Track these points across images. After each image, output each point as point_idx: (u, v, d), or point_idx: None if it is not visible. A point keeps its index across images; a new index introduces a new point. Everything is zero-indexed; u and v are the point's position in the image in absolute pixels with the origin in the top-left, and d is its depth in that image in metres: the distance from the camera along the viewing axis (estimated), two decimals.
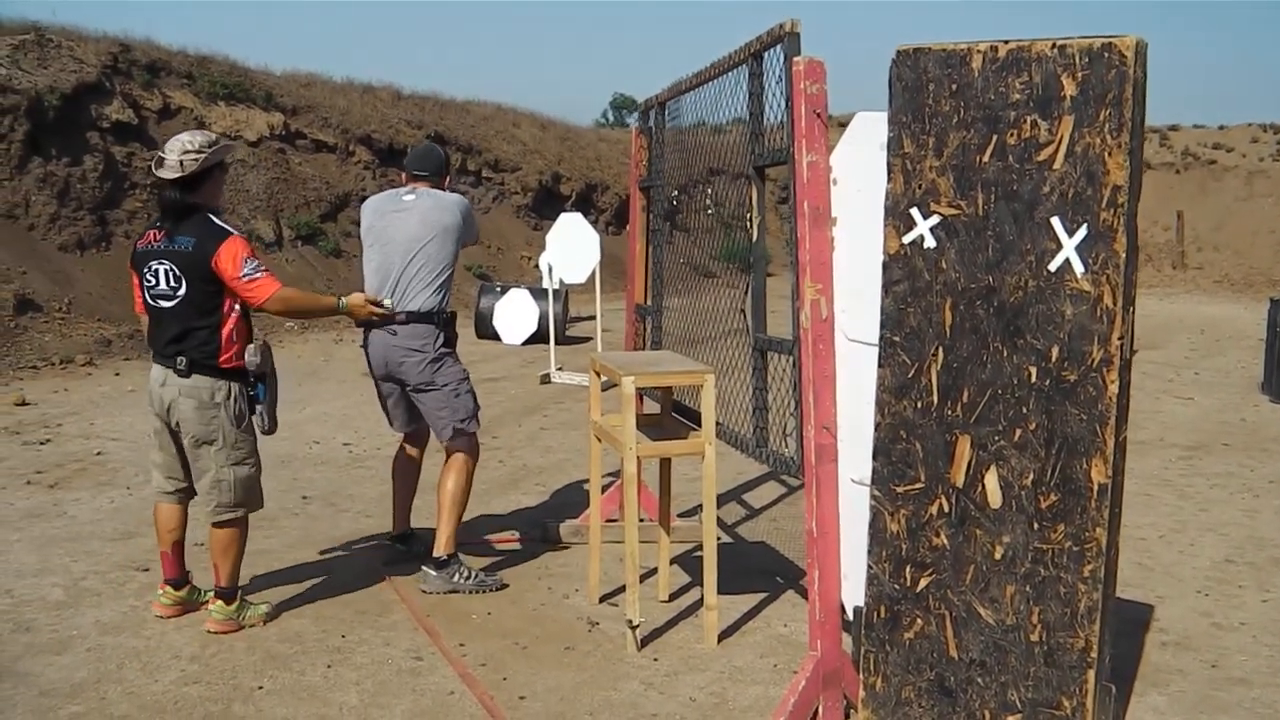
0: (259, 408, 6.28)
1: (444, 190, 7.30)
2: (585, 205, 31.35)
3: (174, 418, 6.13)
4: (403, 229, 7.01)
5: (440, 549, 6.97)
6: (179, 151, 6.06)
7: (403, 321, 6.93)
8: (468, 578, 6.95)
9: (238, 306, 6.13)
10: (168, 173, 6.05)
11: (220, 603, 6.23)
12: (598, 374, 6.71)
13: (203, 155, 6.08)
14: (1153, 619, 6.74)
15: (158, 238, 6.15)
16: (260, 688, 5.53)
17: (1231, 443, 12.22)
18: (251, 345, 6.19)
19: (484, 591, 6.91)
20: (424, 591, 6.86)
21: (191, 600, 6.45)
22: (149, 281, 6.14)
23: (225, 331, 6.10)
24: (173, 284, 6.06)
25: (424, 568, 6.97)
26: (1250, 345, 19.44)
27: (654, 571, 6.93)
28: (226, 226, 6.17)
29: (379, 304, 6.79)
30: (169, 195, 6.13)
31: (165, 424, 6.21)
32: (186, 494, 6.38)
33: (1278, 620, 6.78)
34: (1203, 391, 15.68)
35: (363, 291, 6.98)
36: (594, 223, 17.92)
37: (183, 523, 6.40)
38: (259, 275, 6.08)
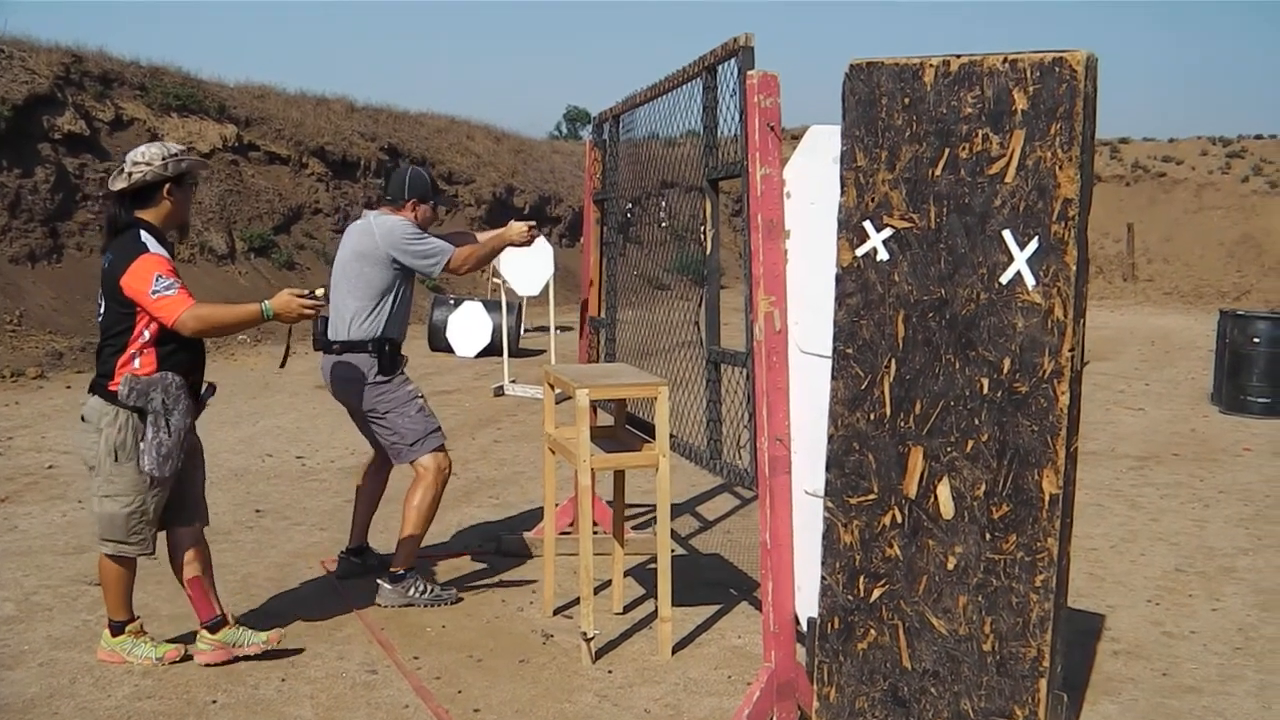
0: (141, 445, 5.70)
1: (401, 214, 7.08)
2: (539, 217, 31.34)
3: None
4: (339, 255, 7.09)
5: (398, 563, 6.92)
6: (130, 163, 5.80)
7: (338, 351, 6.91)
8: (423, 592, 6.90)
9: (147, 332, 5.70)
10: (115, 184, 5.82)
11: (107, 633, 5.98)
12: (552, 386, 6.71)
13: (149, 168, 5.77)
14: (1104, 628, 6.78)
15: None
16: (214, 702, 5.51)
17: (1182, 453, 12.32)
18: (128, 375, 5.68)
19: (439, 606, 6.87)
20: (379, 604, 6.83)
21: (237, 641, 5.98)
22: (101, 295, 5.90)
23: (125, 355, 5.70)
24: (99, 301, 5.86)
25: (379, 581, 6.94)
26: (1200, 356, 19.60)
27: (608, 584, 6.92)
28: (148, 243, 5.75)
29: (309, 295, 5.98)
30: (110, 209, 5.95)
31: None
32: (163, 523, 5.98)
33: (1228, 629, 6.84)
34: (1153, 402, 15.80)
35: None
36: (548, 235, 17.92)
37: (173, 559, 6.06)
38: (169, 294, 5.63)
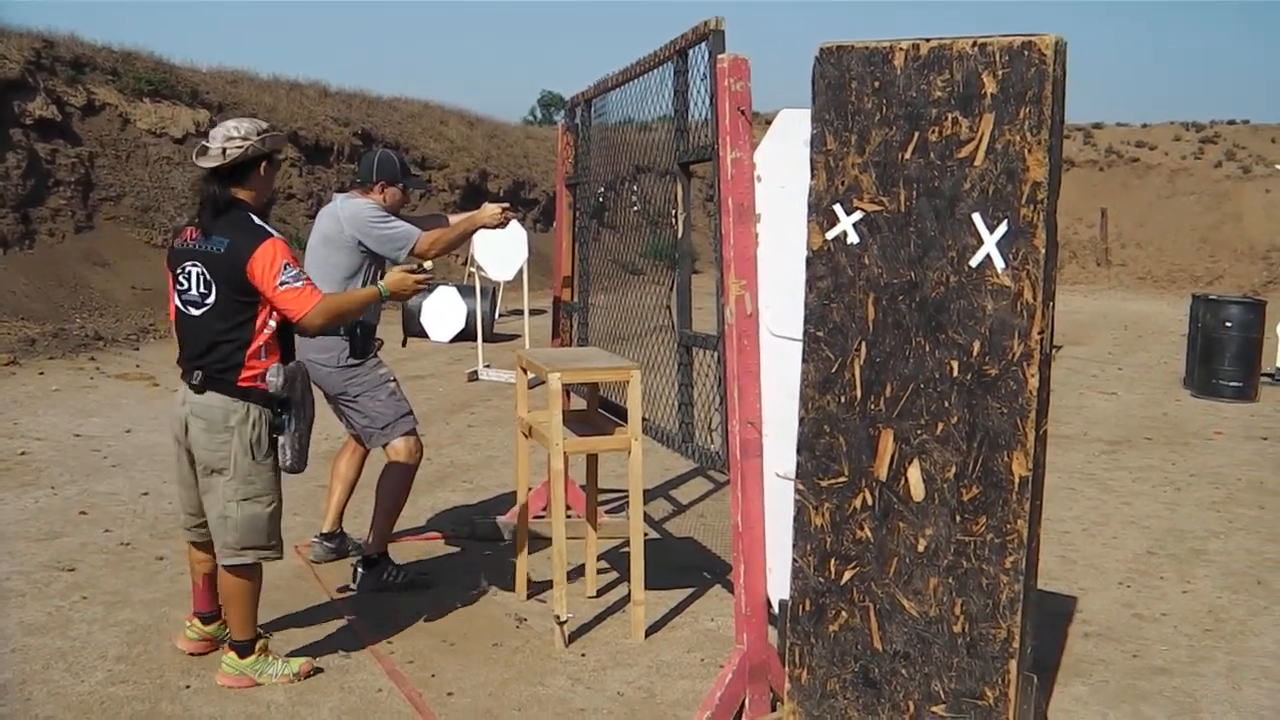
0: (281, 439, 5.46)
1: (369, 196, 7.07)
2: (513, 202, 31.29)
3: (187, 440, 5.46)
4: (310, 240, 7.09)
5: (371, 548, 6.92)
6: (222, 138, 5.41)
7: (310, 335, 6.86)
8: (397, 576, 6.91)
9: (273, 321, 5.39)
10: (207, 161, 5.42)
11: (233, 655, 5.58)
12: (524, 370, 6.72)
13: (248, 143, 5.40)
14: (1076, 610, 6.83)
15: (194, 235, 5.46)
16: (187, 687, 5.50)
17: (1154, 437, 12.39)
18: (275, 366, 5.39)
19: (413, 590, 6.86)
20: (353, 589, 6.84)
21: (221, 637, 5.82)
22: (181, 285, 5.45)
23: (253, 348, 5.35)
24: (202, 289, 5.37)
25: (353, 565, 6.96)
26: (1172, 341, 19.69)
27: (581, 568, 6.93)
28: (266, 227, 5.45)
29: (418, 269, 5.90)
30: (207, 188, 5.46)
31: (181, 451, 5.56)
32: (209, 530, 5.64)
33: (1198, 611, 6.89)
34: (1126, 387, 15.88)
35: None
36: (522, 220, 17.90)
37: (213, 559, 5.71)
38: (299, 285, 5.33)
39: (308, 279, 5.42)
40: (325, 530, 7.50)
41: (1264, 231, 37.10)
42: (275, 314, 5.39)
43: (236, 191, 5.49)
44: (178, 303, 5.48)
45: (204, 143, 5.50)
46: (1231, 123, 46.02)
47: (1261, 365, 15.51)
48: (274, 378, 5.36)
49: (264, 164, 5.60)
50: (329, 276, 6.73)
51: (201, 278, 5.37)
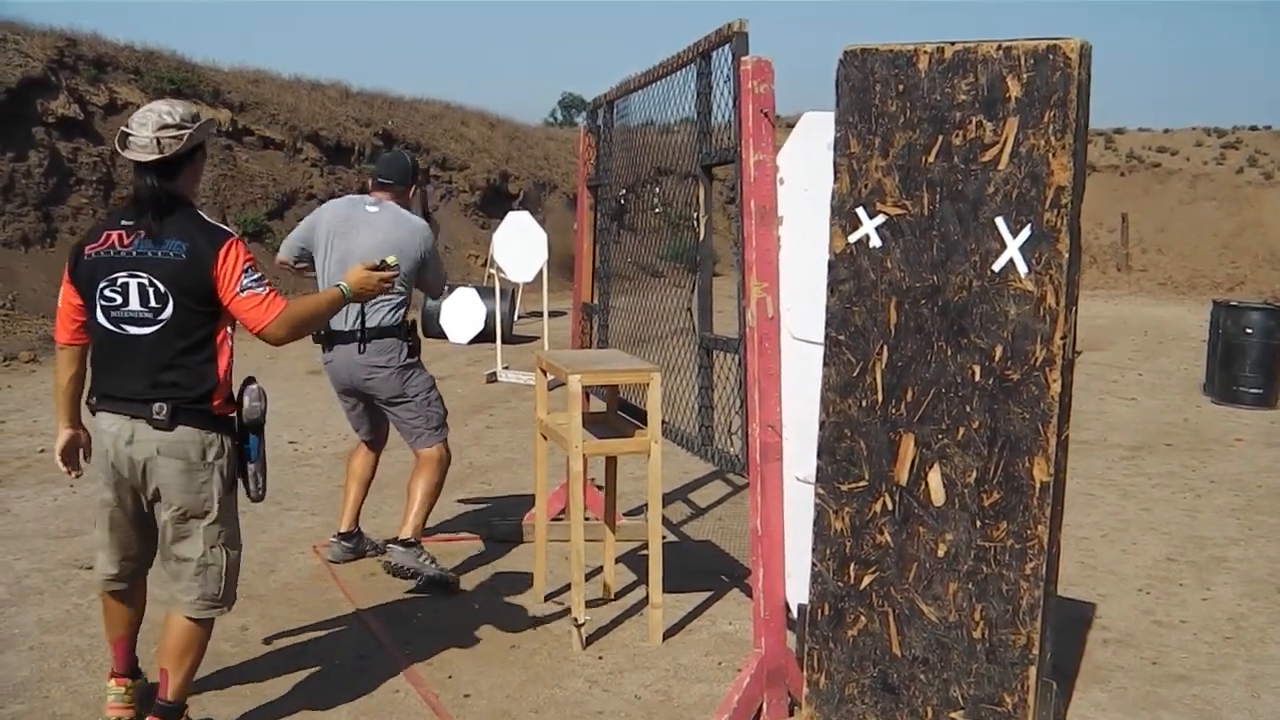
0: (251, 467, 4.80)
1: (408, 202, 7.17)
2: (534, 205, 31.31)
3: (151, 484, 4.61)
4: (368, 242, 6.73)
5: (408, 533, 6.86)
6: (154, 126, 4.52)
7: (366, 339, 6.81)
8: (432, 562, 6.88)
9: (230, 331, 4.68)
10: (141, 154, 4.55)
11: None
12: (544, 372, 6.71)
13: (185, 132, 4.56)
14: (1095, 617, 6.79)
15: (125, 241, 4.59)
16: (204, 689, 5.51)
17: (1174, 443, 12.33)
18: (254, 388, 4.77)
19: (443, 580, 6.86)
20: (390, 565, 6.83)
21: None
22: (109, 300, 4.56)
23: (222, 366, 4.64)
24: (153, 303, 4.52)
25: (390, 545, 6.93)
26: (1193, 347, 19.60)
27: (600, 570, 6.92)
28: (224, 226, 4.70)
29: (382, 267, 5.03)
30: (147, 184, 4.58)
31: (123, 495, 4.71)
32: (141, 573, 4.96)
33: (1218, 618, 6.85)
34: (1146, 392, 15.81)
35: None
36: (542, 222, 17.90)
37: (141, 608, 5.06)
38: (261, 290, 4.58)
39: (270, 284, 4.65)
40: (343, 530, 7.46)
41: None
42: (229, 324, 4.69)
43: (171, 186, 4.63)
44: (103, 322, 4.60)
45: (125, 129, 4.64)
46: (1254, 128, 46.03)
47: None
48: (255, 401, 4.76)
49: (197, 154, 4.73)
50: (402, 283, 6.78)
51: (149, 290, 4.53)
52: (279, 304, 4.60)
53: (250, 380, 4.83)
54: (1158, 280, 36.56)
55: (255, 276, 4.57)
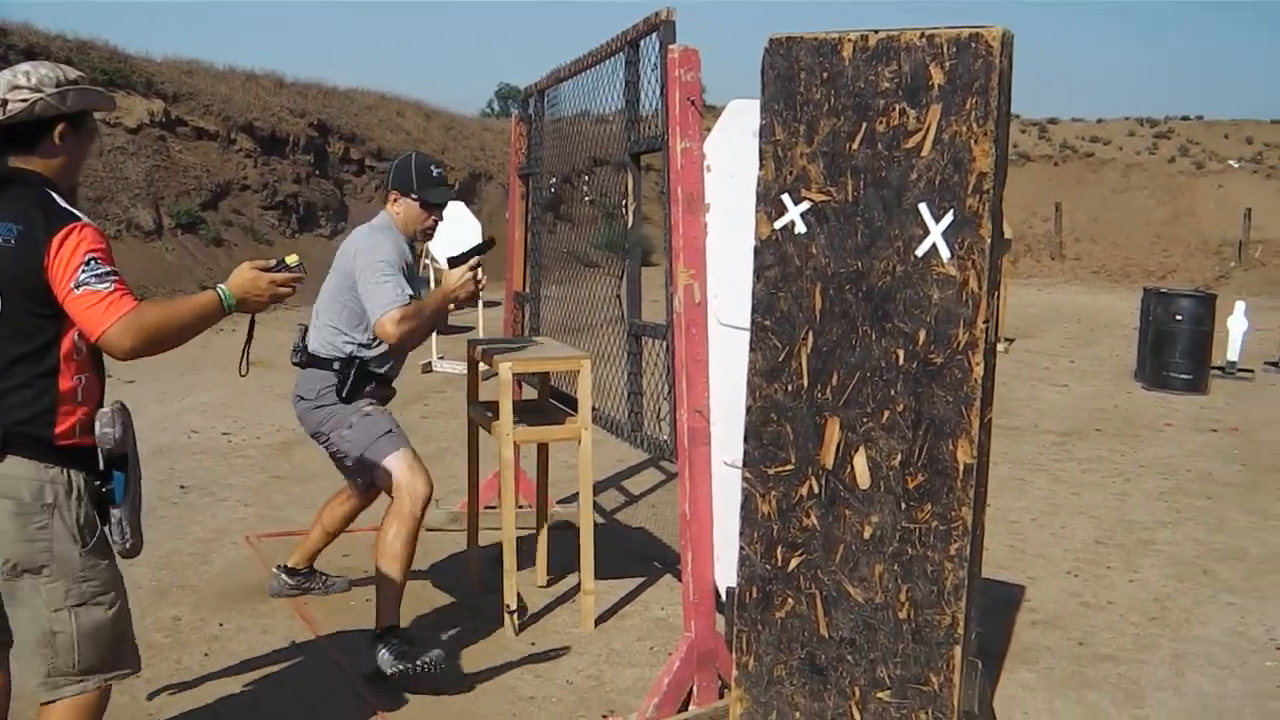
0: (115, 512, 3.84)
1: (387, 209, 6.13)
2: (469, 195, 31.26)
3: None
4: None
5: (379, 621, 5.71)
6: (5, 87, 3.73)
7: (304, 364, 6.02)
8: (399, 658, 5.50)
9: (83, 343, 3.73)
10: None
11: None
12: (476, 361, 6.72)
13: (37, 97, 3.72)
14: (1024, 599, 6.88)
15: None
16: (138, 675, 5.49)
17: (1104, 428, 12.49)
18: (107, 411, 3.79)
19: (433, 666, 5.46)
20: (367, 677, 5.65)
21: None
22: None
23: (66, 385, 3.72)
24: None
25: (372, 651, 5.67)
26: (1125, 334, 19.80)
27: (533, 557, 6.95)
28: (73, 209, 3.73)
29: (279, 267, 4.05)
30: None
31: None
32: (4, 646, 4.01)
33: (1144, 599, 6.96)
34: (1078, 379, 15.98)
35: None
36: (477, 213, 17.78)
37: (4, 689, 4.14)
38: (103, 287, 3.58)
39: (119, 281, 3.64)
40: (290, 564, 6.72)
41: (1216, 226, 37.47)
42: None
43: (20, 161, 3.80)
44: None
45: None
46: (1185, 118, 46.50)
47: (1212, 358, 15.65)
48: (109, 428, 3.76)
49: (62, 127, 3.82)
50: (340, 305, 5.95)
51: None
52: (125, 305, 3.59)
53: (116, 404, 3.85)
54: (1091, 269, 36.85)
55: (99, 270, 3.59)
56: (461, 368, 14.50)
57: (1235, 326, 16.54)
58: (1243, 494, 9.71)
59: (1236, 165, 40.97)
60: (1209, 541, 8.27)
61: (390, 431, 5.93)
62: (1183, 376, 15.10)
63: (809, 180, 4.58)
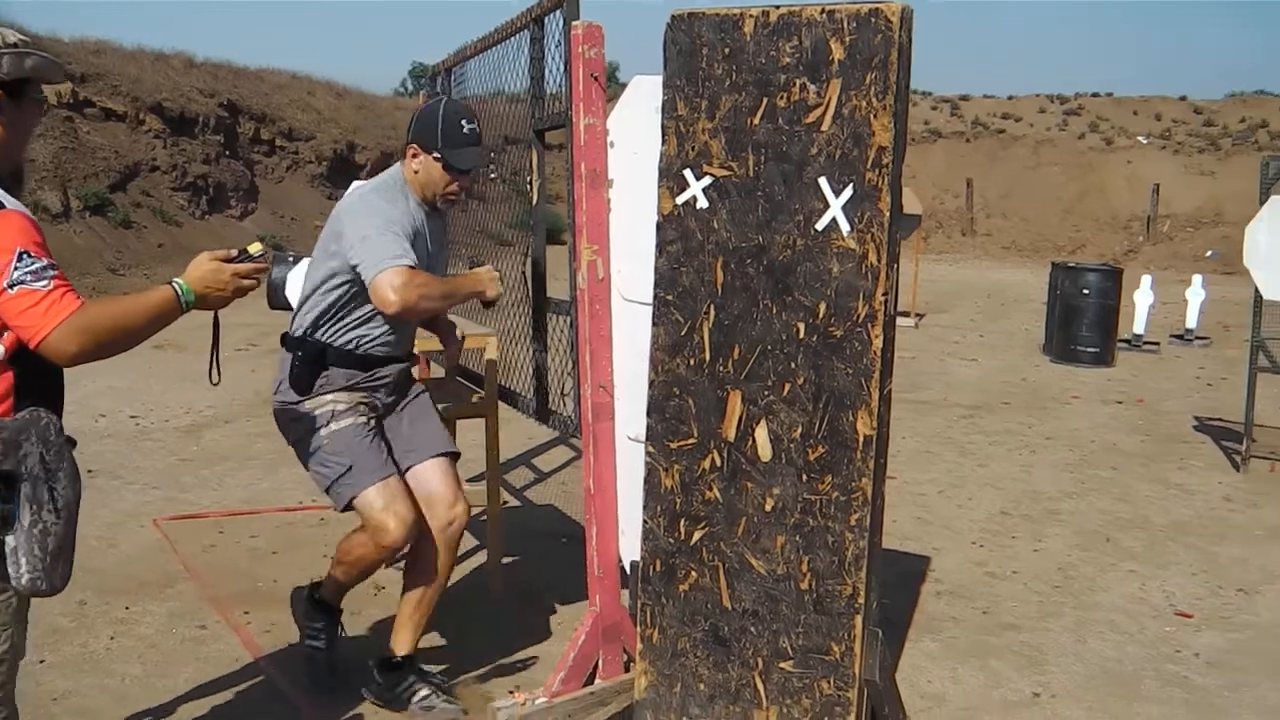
0: (10, 541, 3.22)
1: (404, 164, 5.36)
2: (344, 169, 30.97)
3: None
4: None
5: (399, 649, 5.27)
6: None
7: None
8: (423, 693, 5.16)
9: (2, 346, 3.27)
10: None
11: None
12: None
13: None
14: (929, 570, 6.96)
15: None
16: (42, 661, 5.44)
17: (1012, 401, 12.63)
18: (7, 420, 3.27)
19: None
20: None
21: None
22: None
23: None
24: None
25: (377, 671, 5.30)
26: (1034, 309, 20.01)
27: None
28: (7, 197, 3.26)
29: (241, 256, 3.68)
30: None
31: None
32: None
33: (1048, 568, 7.06)
34: (987, 353, 16.15)
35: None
36: None
37: None
38: (42, 286, 3.15)
39: (59, 278, 3.21)
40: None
41: (1125, 202, 37.85)
42: (4, 333, 3.26)
43: None
44: None
45: None
46: (1095, 95, 46.88)
47: (1119, 331, 15.86)
48: None
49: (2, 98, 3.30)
50: (318, 278, 5.22)
51: None
52: (68, 306, 3.18)
53: (21, 411, 3.34)
54: (1001, 244, 37.19)
55: (36, 266, 3.15)
56: None
57: (1141, 300, 16.79)
58: (1146, 464, 9.87)
59: (1145, 141, 41.37)
60: (1113, 511, 8.40)
61: (350, 469, 4.95)
62: (1090, 350, 15.31)
63: (711, 155, 4.59)
